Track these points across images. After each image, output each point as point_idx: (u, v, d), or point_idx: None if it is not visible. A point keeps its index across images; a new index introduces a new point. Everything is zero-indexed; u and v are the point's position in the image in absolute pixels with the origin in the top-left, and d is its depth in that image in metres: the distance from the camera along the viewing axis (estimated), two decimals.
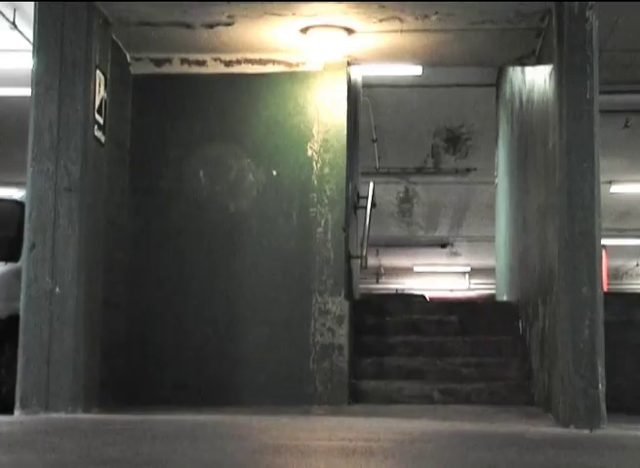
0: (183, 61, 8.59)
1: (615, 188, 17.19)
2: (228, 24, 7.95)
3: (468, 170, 16.66)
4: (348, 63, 8.68)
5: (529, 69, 8.90)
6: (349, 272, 8.79)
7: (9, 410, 6.94)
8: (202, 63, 8.59)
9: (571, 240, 6.69)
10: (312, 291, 8.29)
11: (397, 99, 13.24)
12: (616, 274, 27.47)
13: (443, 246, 24.41)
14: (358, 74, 10.00)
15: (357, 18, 7.79)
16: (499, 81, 12.20)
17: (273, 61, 8.56)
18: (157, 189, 8.53)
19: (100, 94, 7.59)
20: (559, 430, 6.36)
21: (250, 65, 8.58)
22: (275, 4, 7.56)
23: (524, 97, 9.30)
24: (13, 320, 7.18)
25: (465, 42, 8.30)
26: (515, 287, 10.10)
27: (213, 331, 8.31)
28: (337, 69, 8.59)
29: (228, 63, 8.58)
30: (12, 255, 7.70)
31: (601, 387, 6.50)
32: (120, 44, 8.26)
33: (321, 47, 8.32)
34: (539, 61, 8.27)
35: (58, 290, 7.02)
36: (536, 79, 8.37)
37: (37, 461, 3.87)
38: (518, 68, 9.63)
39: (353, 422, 6.77)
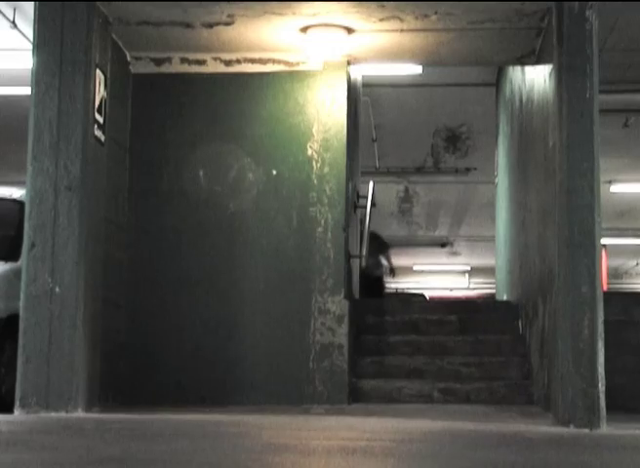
0: (183, 61, 8.60)
1: (615, 187, 17.20)
2: (228, 24, 7.95)
3: (468, 169, 16.67)
4: (348, 63, 8.68)
5: (529, 69, 8.90)
6: (349, 272, 8.79)
7: (9, 410, 6.94)
8: (202, 63, 8.59)
9: (571, 239, 6.69)
10: (312, 290, 8.28)
11: (397, 99, 13.24)
12: (615, 273, 27.47)
13: (443, 245, 24.43)
14: (358, 73, 10.00)
15: (357, 17, 7.79)
16: (498, 80, 12.20)
17: (273, 61, 8.56)
18: (157, 189, 8.53)
19: (100, 93, 7.59)
20: (559, 429, 6.36)
21: (250, 65, 8.58)
22: (275, 3, 7.56)
23: (524, 97, 9.30)
24: (13, 319, 7.18)
25: (465, 41, 8.30)
26: (515, 286, 10.10)
27: (213, 330, 8.31)
28: (337, 68, 8.59)
29: (228, 63, 8.58)
30: (11, 255, 7.70)
31: (601, 386, 6.50)
32: (120, 43, 8.26)
33: (321, 46, 8.32)
34: (538, 61, 8.27)
35: (57, 289, 7.01)
36: (535, 78, 8.37)
37: (37, 460, 3.87)
38: (518, 68, 9.63)
39: (353, 421, 6.77)
